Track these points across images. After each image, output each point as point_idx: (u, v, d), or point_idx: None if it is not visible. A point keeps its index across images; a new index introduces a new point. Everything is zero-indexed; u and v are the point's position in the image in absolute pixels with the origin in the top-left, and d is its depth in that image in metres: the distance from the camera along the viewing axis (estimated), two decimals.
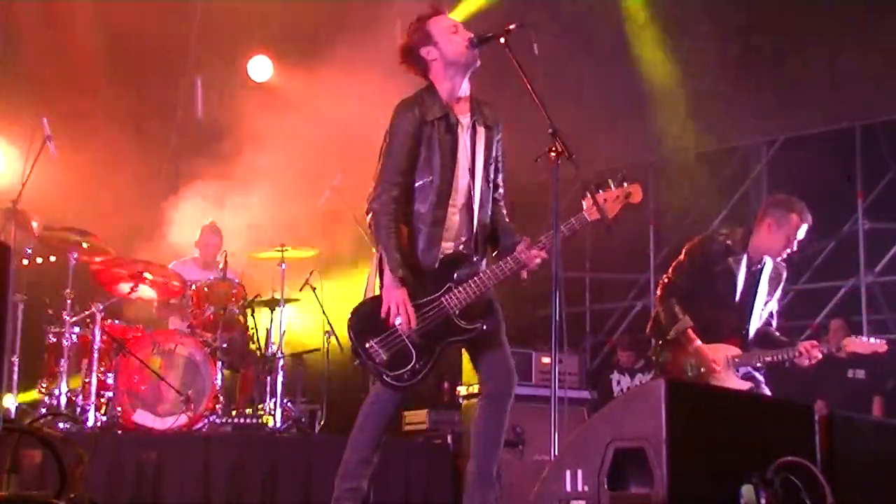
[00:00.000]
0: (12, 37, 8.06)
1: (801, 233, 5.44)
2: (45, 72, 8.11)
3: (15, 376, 6.26)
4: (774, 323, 5.67)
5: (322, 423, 7.37)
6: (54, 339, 6.51)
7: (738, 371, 5.40)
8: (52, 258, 6.84)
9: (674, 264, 5.62)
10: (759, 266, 5.50)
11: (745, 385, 5.36)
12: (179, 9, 8.54)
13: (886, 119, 9.11)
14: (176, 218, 8.46)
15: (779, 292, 5.62)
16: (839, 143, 9.33)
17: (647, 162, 10.21)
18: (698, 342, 5.38)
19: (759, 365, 5.42)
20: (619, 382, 9.43)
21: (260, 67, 9.35)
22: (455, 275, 4.20)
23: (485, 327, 4.19)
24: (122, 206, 8.29)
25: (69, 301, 6.43)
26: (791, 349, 5.35)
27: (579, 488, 3.19)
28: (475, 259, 4.28)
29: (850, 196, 9.29)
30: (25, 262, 6.66)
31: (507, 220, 4.44)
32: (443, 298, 4.16)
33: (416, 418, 7.59)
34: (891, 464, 3.82)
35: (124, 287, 6.85)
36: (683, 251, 5.61)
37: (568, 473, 3.22)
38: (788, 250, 5.47)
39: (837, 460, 3.53)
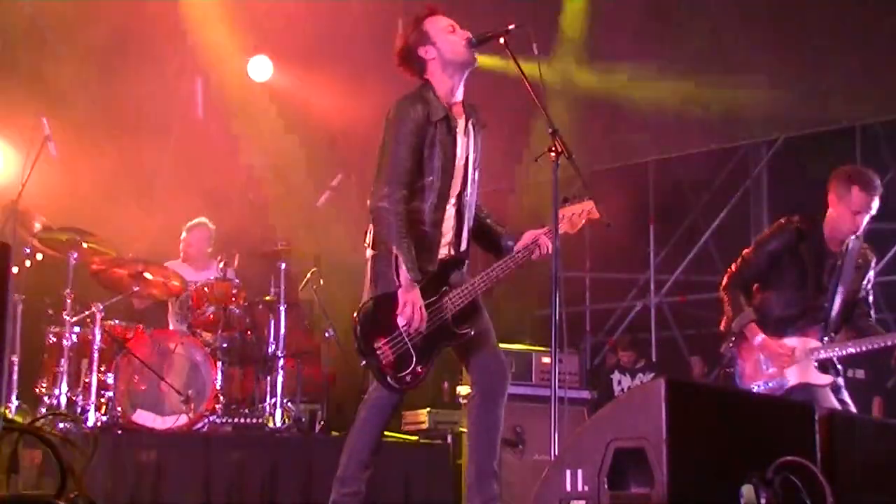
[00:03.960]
0: (11, 36, 8.06)
1: (873, 205, 5.04)
2: (45, 71, 8.11)
3: (15, 376, 6.26)
4: (872, 314, 5.33)
5: (322, 423, 7.37)
6: (54, 339, 6.50)
7: (816, 363, 5.07)
8: (53, 258, 6.83)
9: (741, 254, 5.27)
10: (840, 249, 5.14)
11: (826, 379, 5.06)
12: (180, 8, 8.54)
13: (886, 119, 9.12)
14: (176, 218, 8.45)
15: (868, 278, 5.27)
16: (839, 143, 9.33)
17: (647, 162, 10.23)
18: (761, 336, 5.09)
19: (842, 354, 5.07)
20: (619, 382, 9.45)
21: (260, 67, 9.34)
22: (450, 278, 4.21)
23: (472, 333, 4.19)
24: (122, 206, 8.29)
25: (69, 301, 6.43)
26: (891, 335, 5.02)
27: (579, 488, 3.19)
28: (466, 262, 4.30)
29: None
30: (26, 262, 6.66)
31: (490, 217, 4.46)
32: (442, 302, 4.16)
33: (416, 418, 7.59)
34: (891, 464, 3.82)
35: (124, 287, 6.84)
36: (753, 242, 5.34)
37: (568, 473, 3.22)
38: (862, 225, 5.08)
39: (837, 460, 3.53)
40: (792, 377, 5.08)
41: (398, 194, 4.08)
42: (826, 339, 5.14)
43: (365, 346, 4.12)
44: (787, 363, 5.08)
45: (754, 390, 5.11)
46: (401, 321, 4.09)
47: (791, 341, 5.13)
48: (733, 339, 5.22)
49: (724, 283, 5.28)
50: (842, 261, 5.15)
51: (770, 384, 5.12)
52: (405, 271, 4.04)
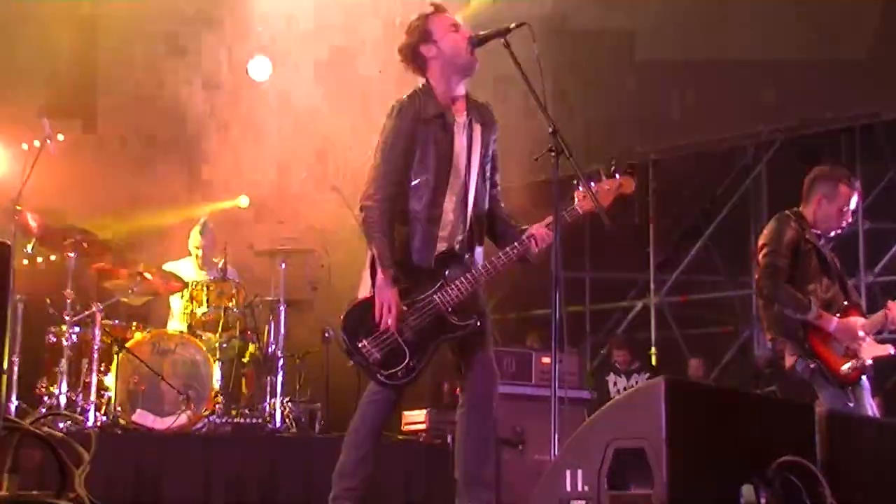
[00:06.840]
0: (12, 38, 8.05)
1: (854, 203, 5.23)
2: (45, 71, 8.10)
3: (15, 376, 6.26)
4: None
5: (322, 423, 7.36)
6: (54, 339, 6.51)
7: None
8: (53, 258, 6.83)
9: (760, 255, 5.16)
10: (821, 243, 5.24)
11: (887, 350, 5.14)
12: (179, 8, 8.54)
13: (886, 119, 9.12)
14: (176, 218, 8.46)
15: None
16: (839, 143, 9.34)
17: (647, 161, 10.23)
18: (836, 319, 5.05)
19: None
20: (615, 384, 9.43)
21: (260, 67, 9.34)
22: (447, 272, 4.21)
23: (478, 324, 4.20)
24: (122, 206, 8.29)
25: (69, 301, 6.43)
26: None
27: (579, 488, 3.19)
28: (467, 256, 4.29)
29: None
30: (25, 262, 6.66)
31: (505, 213, 4.45)
32: (435, 296, 4.17)
33: (416, 418, 7.58)
34: (891, 464, 3.82)
35: (124, 287, 6.84)
36: (762, 243, 5.20)
37: (568, 473, 3.22)
38: (844, 223, 5.25)
39: (837, 460, 3.53)
40: (866, 354, 5.10)
41: (383, 193, 4.16)
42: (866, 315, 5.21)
43: (350, 345, 4.16)
44: (863, 340, 5.10)
45: (844, 370, 5.05)
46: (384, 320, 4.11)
47: (856, 320, 5.15)
48: (802, 333, 5.08)
49: (767, 286, 5.11)
50: (825, 251, 5.27)
51: (854, 364, 5.08)
52: (380, 269, 4.09)
